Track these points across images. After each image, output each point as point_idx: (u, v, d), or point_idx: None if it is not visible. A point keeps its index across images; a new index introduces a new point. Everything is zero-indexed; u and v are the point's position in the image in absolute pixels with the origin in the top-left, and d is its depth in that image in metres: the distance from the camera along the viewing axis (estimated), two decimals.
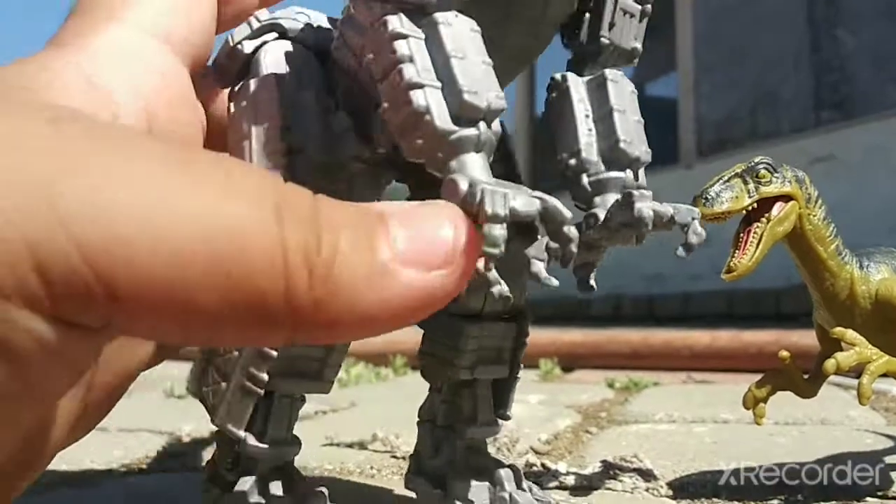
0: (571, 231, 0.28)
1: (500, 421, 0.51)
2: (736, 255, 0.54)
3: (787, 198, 0.54)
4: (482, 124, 0.30)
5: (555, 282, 0.30)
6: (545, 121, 0.42)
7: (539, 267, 0.29)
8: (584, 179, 0.40)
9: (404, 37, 0.31)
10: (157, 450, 0.84)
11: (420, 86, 0.30)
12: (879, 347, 0.53)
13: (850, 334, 0.53)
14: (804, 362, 0.60)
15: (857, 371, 0.53)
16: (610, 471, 0.65)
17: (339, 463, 0.75)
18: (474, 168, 0.30)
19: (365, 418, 1.03)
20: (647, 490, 0.62)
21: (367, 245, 0.22)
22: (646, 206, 0.36)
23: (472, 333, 0.47)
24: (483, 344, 0.48)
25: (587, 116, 0.41)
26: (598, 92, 0.41)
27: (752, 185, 0.54)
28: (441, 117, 0.30)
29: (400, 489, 0.59)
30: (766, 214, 0.54)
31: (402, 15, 0.31)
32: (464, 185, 0.26)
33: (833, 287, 0.56)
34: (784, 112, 3.33)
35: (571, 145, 0.40)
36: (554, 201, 0.28)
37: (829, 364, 0.52)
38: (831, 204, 0.57)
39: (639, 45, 0.42)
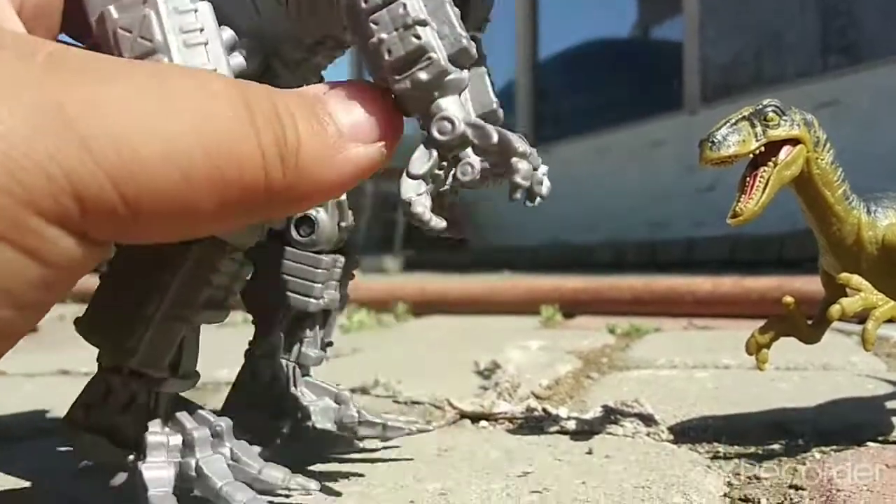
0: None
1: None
2: (742, 199, 0.53)
3: (794, 141, 0.53)
4: (466, 70, 0.33)
5: (440, 224, 0.33)
6: None
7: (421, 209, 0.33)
8: None
9: None
10: None
11: (426, 23, 0.32)
12: (885, 293, 0.53)
13: (856, 279, 0.53)
14: (808, 308, 0.60)
15: (861, 317, 0.53)
16: (611, 416, 0.65)
17: None
18: (458, 108, 0.33)
19: (367, 364, 1.04)
20: (647, 435, 0.62)
21: (319, 129, 0.28)
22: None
23: (324, 265, 0.51)
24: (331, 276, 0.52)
25: None
26: None
27: (759, 129, 0.53)
28: (444, 57, 0.32)
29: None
30: (774, 158, 0.53)
31: None
32: (461, 126, 0.32)
33: (840, 232, 0.56)
34: (790, 56, 3.28)
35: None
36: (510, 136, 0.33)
37: (834, 309, 0.52)
38: (837, 149, 0.56)
39: None
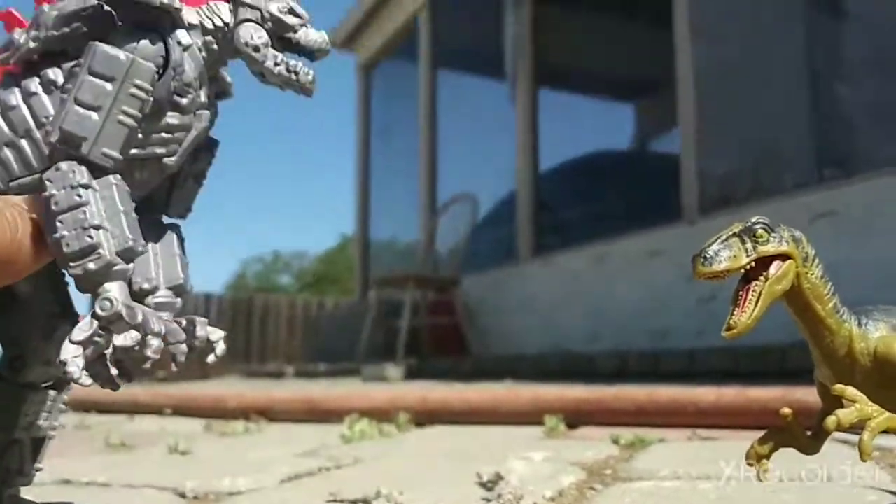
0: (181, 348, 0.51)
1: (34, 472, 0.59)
2: (735, 312, 0.55)
3: (784, 257, 0.55)
4: (131, 266, 0.48)
5: (87, 381, 0.46)
6: None
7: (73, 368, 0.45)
8: (150, 299, 0.54)
9: (88, 187, 0.47)
10: None
11: (100, 227, 0.46)
12: (880, 404, 0.54)
13: (850, 391, 0.54)
14: (809, 419, 0.60)
15: (860, 427, 0.54)
16: None
17: None
18: (119, 292, 0.46)
19: (369, 475, 1.03)
20: None
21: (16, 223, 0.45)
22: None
23: (34, 400, 0.57)
24: (37, 409, 0.58)
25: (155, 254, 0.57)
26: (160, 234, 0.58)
27: (749, 245, 0.55)
28: (111, 253, 0.46)
29: None
30: (764, 273, 0.55)
31: (84, 168, 0.47)
32: (120, 308, 0.45)
33: (832, 344, 0.57)
34: (786, 168, 3.36)
35: (146, 273, 0.55)
36: (175, 327, 0.51)
37: (830, 421, 0.52)
38: (834, 259, 0.58)
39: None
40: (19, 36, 0.51)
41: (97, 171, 0.48)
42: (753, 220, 0.56)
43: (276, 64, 0.53)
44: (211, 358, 0.55)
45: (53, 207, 0.46)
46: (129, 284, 0.52)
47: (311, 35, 0.54)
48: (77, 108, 0.49)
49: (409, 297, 4.92)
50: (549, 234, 5.11)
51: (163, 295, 0.55)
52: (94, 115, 0.48)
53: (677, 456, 1.18)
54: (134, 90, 0.49)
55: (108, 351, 0.46)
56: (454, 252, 5.22)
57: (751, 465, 0.60)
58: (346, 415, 1.75)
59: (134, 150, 0.51)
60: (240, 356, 10.62)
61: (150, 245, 0.55)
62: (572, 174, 5.29)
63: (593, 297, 4.21)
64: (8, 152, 0.50)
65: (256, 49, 0.53)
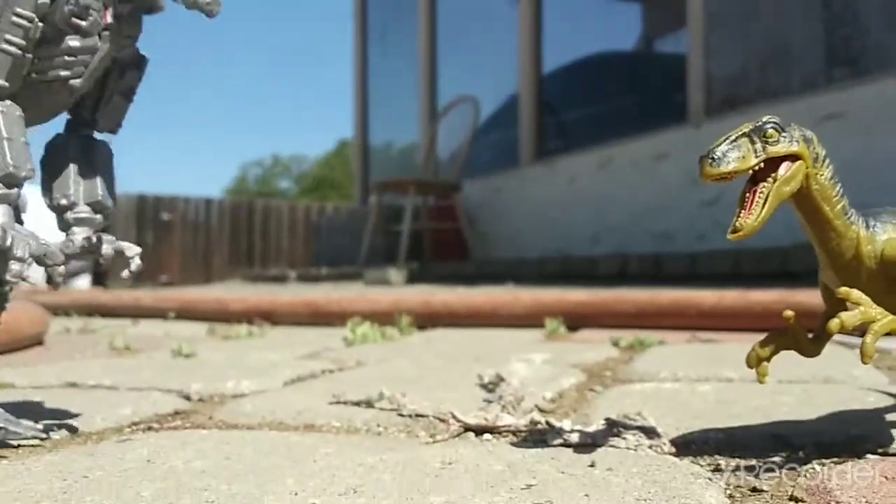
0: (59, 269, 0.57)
1: None
2: (742, 214, 0.53)
3: (794, 157, 0.54)
4: (16, 189, 0.54)
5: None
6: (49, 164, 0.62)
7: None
8: (69, 215, 0.60)
9: None
10: (166, 409, 0.85)
11: None
12: (884, 307, 0.53)
13: (856, 293, 0.53)
14: (810, 321, 0.60)
15: (862, 330, 0.53)
16: (614, 429, 0.66)
17: (347, 420, 0.76)
18: (4, 215, 0.52)
19: (371, 377, 1.04)
20: (650, 447, 0.63)
21: None
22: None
23: None
24: None
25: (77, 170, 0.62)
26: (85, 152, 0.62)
27: (759, 145, 0.53)
28: None
29: (406, 448, 0.60)
30: (773, 174, 0.53)
31: None
32: None
33: (839, 247, 0.56)
34: (794, 69, 3.29)
35: (65, 189, 0.61)
36: (53, 250, 0.57)
37: (833, 323, 0.52)
38: (842, 162, 0.56)
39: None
40: None
41: None
42: (764, 119, 0.54)
43: None
44: (125, 273, 0.61)
45: None
46: (50, 200, 0.60)
47: None
48: None
49: (410, 202, 4.91)
50: (552, 138, 5.05)
51: (82, 210, 0.60)
52: None
53: (677, 358, 1.19)
54: (15, 18, 0.52)
55: None
56: (455, 156, 5.17)
57: (751, 367, 0.60)
58: (349, 318, 1.77)
59: (35, 75, 0.56)
60: (242, 260, 10.71)
61: (72, 163, 0.60)
62: (576, 76, 5.19)
63: (596, 200, 4.20)
64: None
65: None
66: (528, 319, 1.79)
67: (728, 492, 0.53)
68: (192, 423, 0.78)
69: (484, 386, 0.94)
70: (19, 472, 0.58)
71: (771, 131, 0.53)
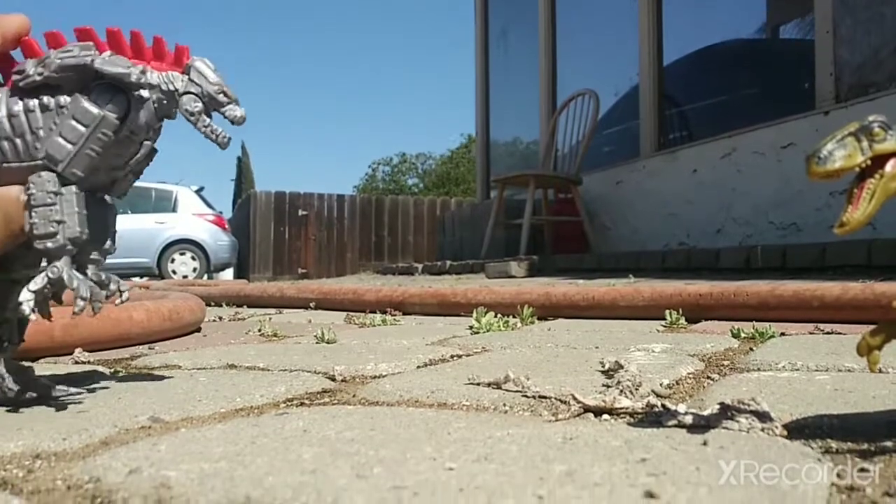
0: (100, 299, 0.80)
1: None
2: (849, 209, 0.56)
3: None
4: (77, 248, 0.77)
5: (29, 314, 0.76)
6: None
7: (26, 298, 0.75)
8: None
9: (58, 193, 0.75)
10: (315, 388, 0.95)
11: (61, 221, 0.75)
12: None
13: None
14: None
15: None
16: (727, 412, 0.68)
17: (476, 400, 0.83)
18: (66, 263, 0.76)
19: (496, 363, 1.11)
20: (762, 430, 0.65)
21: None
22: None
23: (17, 291, 0.78)
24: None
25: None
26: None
27: (865, 143, 0.56)
28: (65, 239, 0.75)
29: (531, 425, 0.65)
30: (880, 170, 0.56)
31: (56, 178, 0.75)
32: (64, 276, 0.75)
33: None
34: None
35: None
36: (98, 290, 0.80)
37: None
38: None
39: None
40: (30, 67, 0.76)
41: (65, 182, 0.76)
42: (871, 118, 0.57)
43: (205, 126, 0.80)
44: (118, 301, 0.84)
45: (31, 202, 0.75)
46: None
47: (236, 112, 0.81)
48: (59, 139, 0.76)
49: (531, 196, 4.95)
50: (673, 129, 4.97)
51: (94, 254, 0.82)
52: (70, 146, 0.76)
53: (797, 349, 1.19)
54: (100, 135, 0.76)
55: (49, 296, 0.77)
56: (575, 150, 5.17)
57: (861, 356, 0.62)
58: (474, 308, 1.84)
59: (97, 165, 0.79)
60: (371, 254, 11.05)
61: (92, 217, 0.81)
62: (698, 65, 5.08)
63: (719, 191, 4.11)
64: (5, 144, 0.76)
65: (192, 114, 0.79)
66: (649, 311, 1.81)
67: (836, 471, 0.55)
68: (339, 400, 0.87)
69: (604, 372, 0.98)
70: (196, 438, 0.67)
71: (877, 130, 0.56)
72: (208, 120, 0.80)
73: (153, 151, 0.85)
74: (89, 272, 0.81)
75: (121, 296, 0.84)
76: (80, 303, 0.76)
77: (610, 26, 5.82)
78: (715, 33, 4.94)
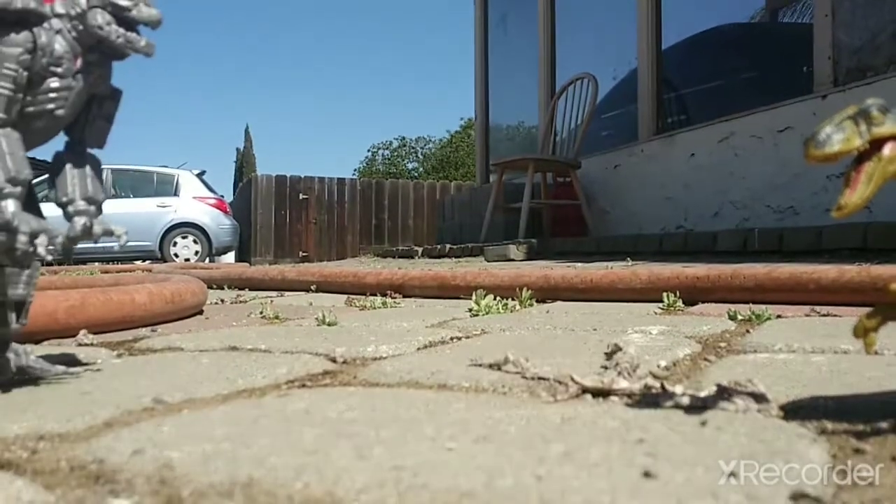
0: (58, 240, 0.76)
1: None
2: (846, 193, 0.57)
3: None
4: (20, 188, 0.73)
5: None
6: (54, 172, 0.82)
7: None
8: (70, 208, 0.81)
9: None
10: (317, 370, 0.95)
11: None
12: None
13: None
14: None
15: None
16: (724, 394, 0.69)
17: (475, 381, 0.84)
18: (13, 205, 0.73)
19: (496, 344, 1.12)
20: (758, 411, 0.66)
21: None
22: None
23: (4, 273, 0.79)
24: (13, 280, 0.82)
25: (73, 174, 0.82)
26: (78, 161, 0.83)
27: (863, 127, 0.56)
28: (1, 181, 0.72)
29: (529, 406, 0.66)
30: (878, 154, 0.57)
31: None
32: (8, 215, 0.72)
33: None
34: None
35: (65, 189, 0.81)
36: (48, 226, 0.76)
37: None
38: None
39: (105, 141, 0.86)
40: None
41: None
42: (868, 102, 0.57)
43: (118, 37, 0.77)
44: (118, 244, 0.84)
45: None
46: (56, 198, 0.80)
47: (143, 11, 0.78)
48: None
49: (529, 180, 4.95)
50: (671, 113, 4.97)
51: (79, 204, 0.80)
52: None
53: (793, 331, 1.20)
54: (5, 70, 0.74)
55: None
56: (574, 134, 5.17)
57: (858, 338, 0.63)
58: (473, 291, 1.85)
59: (29, 109, 0.76)
60: (371, 237, 11.06)
61: (70, 169, 0.81)
62: (697, 50, 5.07)
63: (717, 174, 4.12)
64: None
65: (100, 28, 0.76)
66: (646, 294, 1.82)
67: (832, 452, 0.56)
68: (340, 382, 0.88)
69: (602, 354, 0.99)
70: (199, 419, 0.68)
71: (875, 113, 0.56)
72: (121, 30, 0.78)
73: (116, 92, 0.83)
74: (77, 222, 0.79)
75: (121, 239, 0.82)
76: (21, 237, 0.73)
77: (609, 10, 5.79)
78: (713, 17, 4.93)
